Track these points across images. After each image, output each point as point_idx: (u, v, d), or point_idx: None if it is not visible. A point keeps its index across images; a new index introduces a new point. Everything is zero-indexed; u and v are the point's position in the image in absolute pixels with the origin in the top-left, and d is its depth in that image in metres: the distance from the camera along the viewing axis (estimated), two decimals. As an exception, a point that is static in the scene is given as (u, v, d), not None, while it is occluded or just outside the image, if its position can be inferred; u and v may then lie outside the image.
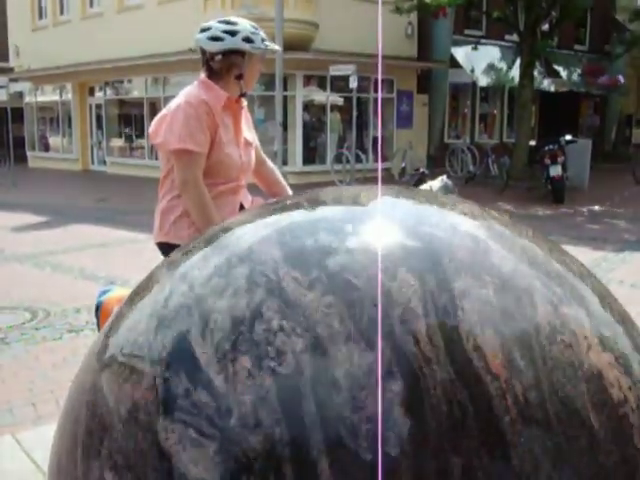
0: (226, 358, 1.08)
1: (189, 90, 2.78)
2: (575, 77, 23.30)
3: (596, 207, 12.52)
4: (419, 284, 1.10)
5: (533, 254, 1.26)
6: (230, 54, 2.74)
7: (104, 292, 2.90)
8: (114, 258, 7.93)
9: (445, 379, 1.01)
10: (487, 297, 1.11)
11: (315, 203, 1.38)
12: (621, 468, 1.06)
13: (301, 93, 17.50)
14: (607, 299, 1.29)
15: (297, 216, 1.35)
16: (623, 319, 1.26)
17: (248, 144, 2.91)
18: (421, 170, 9.62)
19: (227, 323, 1.11)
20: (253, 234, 1.30)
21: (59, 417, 1.40)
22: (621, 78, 22.67)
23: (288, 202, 1.42)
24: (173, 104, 2.76)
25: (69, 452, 1.27)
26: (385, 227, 1.23)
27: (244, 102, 2.92)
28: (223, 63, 2.76)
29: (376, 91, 18.43)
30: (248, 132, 2.94)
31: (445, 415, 0.99)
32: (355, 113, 15.85)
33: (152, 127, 2.83)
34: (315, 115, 18.31)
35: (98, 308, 2.82)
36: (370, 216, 1.28)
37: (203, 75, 2.82)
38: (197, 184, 2.67)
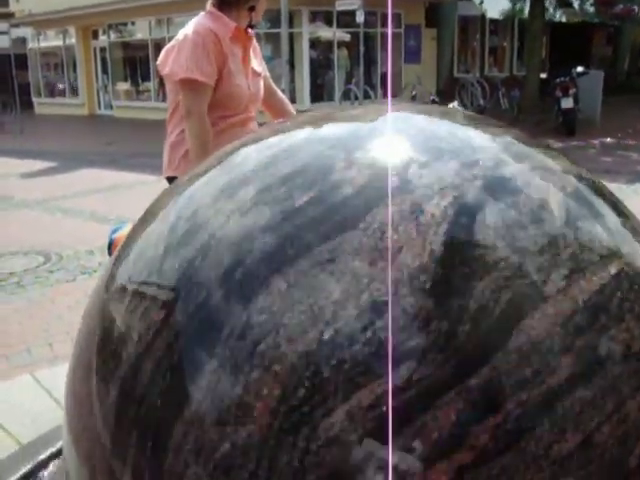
0: (234, 279, 1.06)
1: (197, 20, 2.73)
2: (587, 7, 22.76)
3: (608, 139, 12.37)
4: (430, 197, 1.07)
5: (550, 169, 1.23)
6: None
7: (116, 230, 2.89)
8: (124, 200, 7.92)
9: (459, 290, 0.99)
10: (501, 210, 1.08)
11: (322, 120, 1.35)
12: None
13: (307, 30, 17.20)
14: (627, 217, 1.26)
15: (303, 134, 1.31)
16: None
17: (256, 75, 2.86)
18: (432, 97, 9.51)
19: (235, 244, 1.10)
20: (258, 154, 1.27)
21: (72, 349, 1.40)
22: (635, 8, 22.11)
23: (293, 121, 1.38)
24: (181, 34, 2.71)
25: (83, 382, 1.28)
26: (394, 141, 1.20)
27: (252, 33, 2.86)
28: None
29: (383, 26, 18.09)
30: (256, 63, 2.89)
31: (457, 324, 0.97)
32: (362, 49, 15.59)
33: (160, 58, 2.79)
34: (322, 52, 18.04)
35: (110, 246, 2.81)
36: (379, 131, 1.25)
37: (210, 6, 2.76)
38: (201, 117, 2.64)
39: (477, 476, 0.92)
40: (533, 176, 1.18)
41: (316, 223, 1.07)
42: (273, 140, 1.32)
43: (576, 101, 12.83)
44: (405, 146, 1.19)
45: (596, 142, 12.06)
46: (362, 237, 1.03)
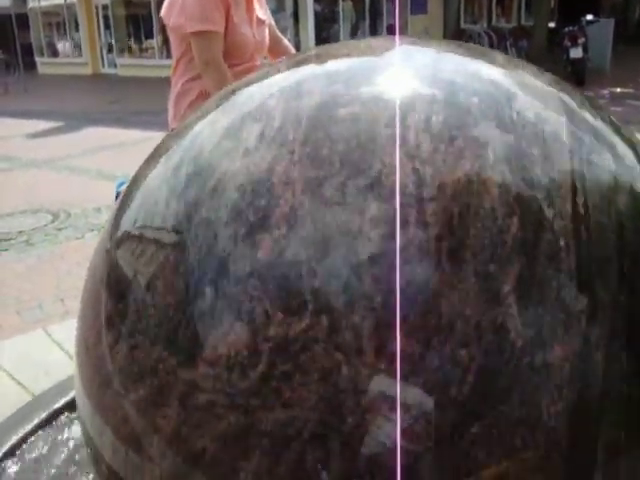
0: (241, 219, 1.05)
1: None
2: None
3: (618, 89, 12.18)
4: (438, 130, 1.05)
5: (563, 103, 1.20)
6: None
7: (122, 183, 2.88)
8: (130, 158, 7.86)
9: (466, 228, 0.97)
10: (512, 143, 1.05)
11: (327, 56, 1.31)
12: None
13: (311, -18, 16.92)
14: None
15: (308, 70, 1.28)
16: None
17: (261, 23, 2.82)
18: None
19: (240, 184, 1.08)
20: (262, 92, 1.24)
21: (80, 301, 1.40)
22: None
23: (298, 58, 1.35)
24: None
25: (93, 331, 1.27)
26: (402, 75, 1.17)
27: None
28: None
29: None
30: (261, 11, 2.84)
31: (462, 259, 0.96)
32: (368, 1, 15.35)
33: (164, 10, 2.74)
34: (327, 4, 17.74)
35: (117, 199, 2.80)
36: (387, 65, 1.22)
37: None
38: (219, 65, 2.60)
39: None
40: (545, 109, 1.15)
41: (324, 159, 1.05)
42: (277, 77, 1.29)
43: (585, 50, 12.62)
44: (413, 79, 1.16)
45: (606, 92, 11.88)
46: (371, 173, 1.01)
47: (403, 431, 0.90)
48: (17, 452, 1.99)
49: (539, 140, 1.08)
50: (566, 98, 1.22)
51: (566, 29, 12.90)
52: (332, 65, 1.26)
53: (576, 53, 12.53)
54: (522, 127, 1.09)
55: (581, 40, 12.51)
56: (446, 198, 0.99)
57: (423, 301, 0.94)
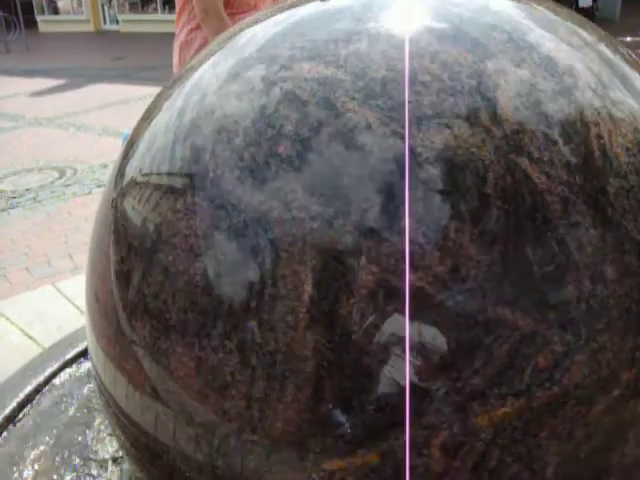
0: (249, 160, 1.03)
1: None
2: None
3: (628, 38, 11.98)
4: (450, 65, 1.02)
5: (579, 37, 1.16)
6: None
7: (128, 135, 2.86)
8: (135, 113, 7.81)
9: (481, 162, 0.95)
10: (526, 78, 1.02)
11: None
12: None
13: None
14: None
15: (311, 8, 1.24)
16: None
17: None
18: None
19: (245, 126, 1.05)
20: (265, 32, 1.20)
21: (88, 253, 1.39)
22: None
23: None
24: None
25: (102, 279, 1.26)
26: (411, 9, 1.13)
27: None
28: None
29: None
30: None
31: (480, 200, 0.94)
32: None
33: None
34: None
35: (123, 151, 2.78)
36: (393, 0, 1.18)
37: None
38: (219, 14, 2.54)
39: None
40: (561, 43, 1.12)
41: (332, 97, 1.02)
42: (280, 17, 1.25)
43: (594, -1, 12.42)
44: (422, 14, 1.13)
45: (616, 40, 11.68)
46: (382, 106, 0.99)
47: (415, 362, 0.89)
48: (33, 399, 2.00)
49: (554, 75, 1.05)
50: (583, 33, 1.18)
51: (575, -24, 12.67)
52: (337, 2, 1.23)
53: (585, 2, 12.31)
54: (536, 61, 1.06)
55: (590, -12, 12.30)
56: (456, 133, 0.96)
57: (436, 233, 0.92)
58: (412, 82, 1.00)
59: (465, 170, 0.94)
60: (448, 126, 0.97)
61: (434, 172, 0.94)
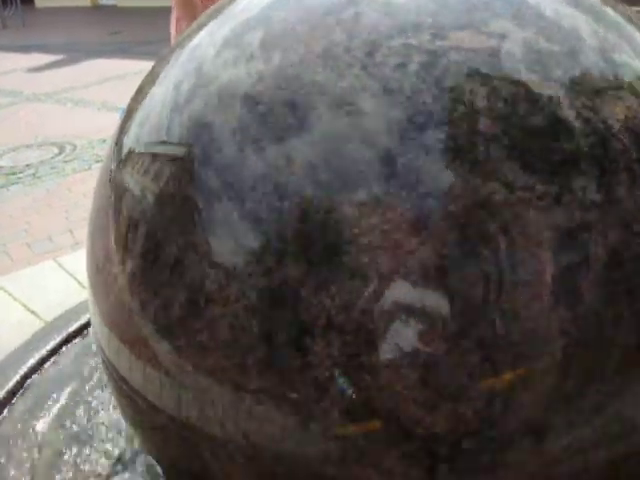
0: (248, 128, 1.01)
1: None
2: None
3: (635, 8, 11.88)
4: (449, 26, 1.00)
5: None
6: None
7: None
8: (134, 87, 7.77)
9: (487, 122, 0.94)
10: (530, 40, 1.01)
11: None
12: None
13: None
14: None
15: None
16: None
17: None
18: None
19: (245, 91, 1.04)
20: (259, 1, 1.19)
21: (87, 226, 1.38)
22: None
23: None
24: None
25: (103, 251, 1.26)
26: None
27: None
28: None
29: None
30: None
31: (488, 156, 0.93)
32: None
33: None
34: None
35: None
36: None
37: None
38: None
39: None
40: (566, 6, 1.10)
41: (329, 63, 1.01)
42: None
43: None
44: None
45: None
46: (381, 70, 0.97)
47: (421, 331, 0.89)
48: (37, 371, 2.01)
49: (559, 37, 1.04)
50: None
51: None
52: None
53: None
54: (541, 23, 1.04)
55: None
56: (458, 95, 0.95)
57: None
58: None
59: (464, 134, 0.93)
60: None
61: (438, 136, 0.93)
